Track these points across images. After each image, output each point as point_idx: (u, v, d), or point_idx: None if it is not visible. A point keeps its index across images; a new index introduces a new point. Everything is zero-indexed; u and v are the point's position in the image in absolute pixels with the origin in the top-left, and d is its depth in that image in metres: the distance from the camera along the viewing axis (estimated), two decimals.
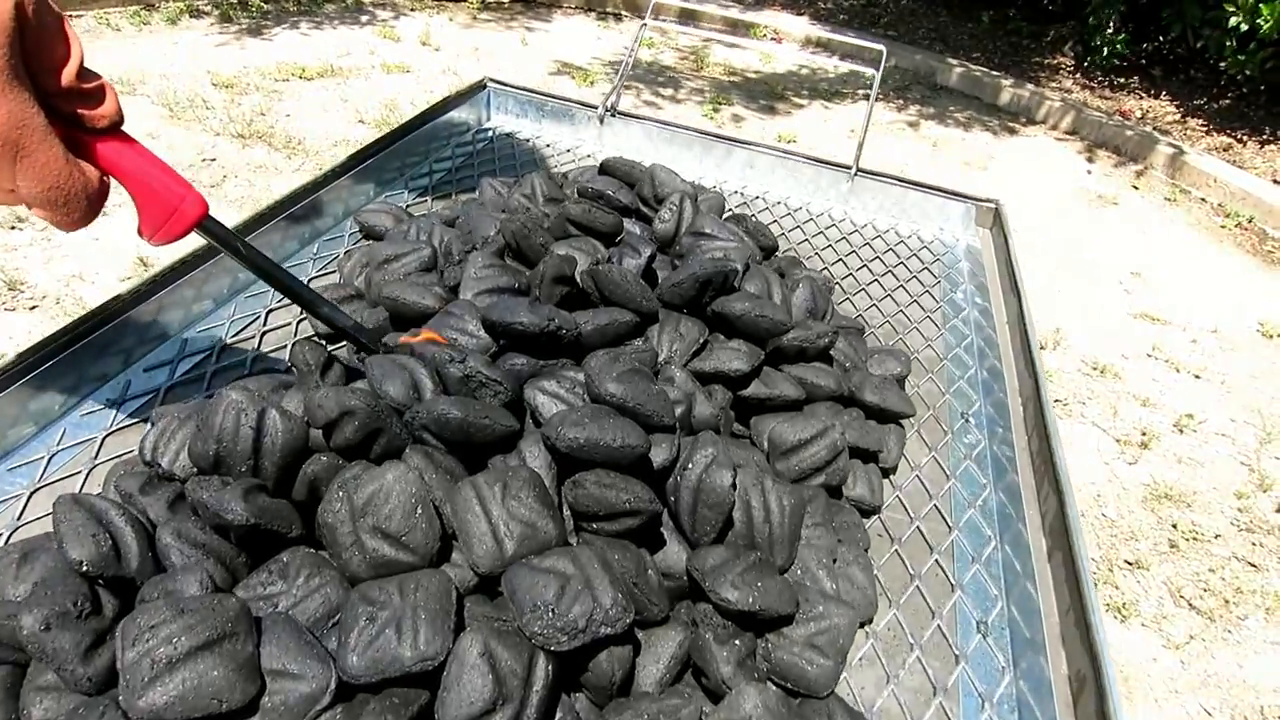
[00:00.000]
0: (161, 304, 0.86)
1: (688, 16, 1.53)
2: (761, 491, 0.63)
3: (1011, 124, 4.95)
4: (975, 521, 0.82)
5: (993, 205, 1.37)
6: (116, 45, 4.11)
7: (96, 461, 0.72)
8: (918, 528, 0.80)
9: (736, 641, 0.56)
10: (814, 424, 0.74)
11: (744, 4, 6.23)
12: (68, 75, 0.53)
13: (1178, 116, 4.94)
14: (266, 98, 3.79)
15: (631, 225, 1.06)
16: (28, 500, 0.68)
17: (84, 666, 0.49)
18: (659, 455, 0.62)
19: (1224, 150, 4.56)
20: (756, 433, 0.76)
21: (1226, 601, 2.03)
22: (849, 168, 1.39)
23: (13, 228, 2.64)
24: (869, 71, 1.52)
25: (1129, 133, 4.66)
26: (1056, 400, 2.64)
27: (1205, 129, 4.78)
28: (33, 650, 0.50)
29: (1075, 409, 2.62)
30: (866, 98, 5.07)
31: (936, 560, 0.77)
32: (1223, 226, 4.02)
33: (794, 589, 0.60)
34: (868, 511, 0.79)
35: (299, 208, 1.05)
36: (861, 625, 0.69)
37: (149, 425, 0.70)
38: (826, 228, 1.34)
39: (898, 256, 1.29)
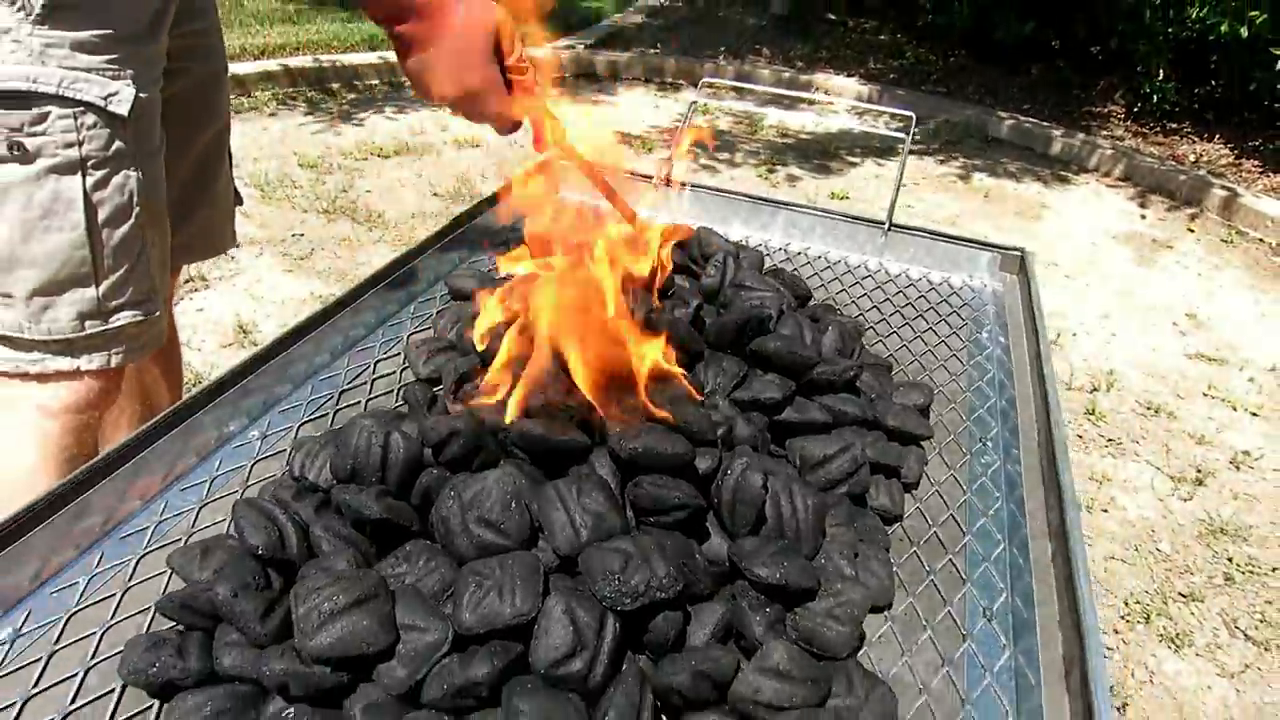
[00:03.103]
0: (290, 358, 1.04)
1: (741, 86, 1.67)
2: (790, 493, 0.77)
3: (1064, 173, 5.03)
4: (987, 528, 0.94)
5: (1018, 253, 1.49)
6: None
7: (248, 484, 0.89)
8: (935, 533, 0.92)
9: (768, 609, 0.70)
10: (838, 442, 0.87)
11: (795, 68, 6.44)
12: (512, 59, 0.94)
13: (1232, 159, 4.96)
14: (348, 176, 4.08)
15: (681, 280, 1.21)
16: (197, 514, 0.85)
17: (261, 625, 0.65)
18: (703, 464, 0.76)
19: None
20: (790, 451, 0.90)
21: None
22: (883, 224, 1.53)
23: None
24: (905, 133, 1.66)
25: (1182, 177, 4.70)
26: (1110, 440, 2.69)
27: (1260, 170, 4.79)
28: (224, 613, 0.66)
29: (1129, 448, 2.67)
30: (919, 155, 5.21)
31: (950, 559, 0.89)
32: None
33: (816, 571, 0.74)
34: (890, 519, 0.91)
35: (398, 274, 1.23)
36: (880, 609, 0.81)
37: (292, 451, 0.86)
38: (863, 278, 1.48)
39: (928, 302, 1.42)
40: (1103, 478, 2.52)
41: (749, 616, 0.69)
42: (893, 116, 5.79)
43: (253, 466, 0.91)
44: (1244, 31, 4.53)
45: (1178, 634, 2.02)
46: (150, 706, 0.66)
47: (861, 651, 0.77)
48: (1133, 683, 1.89)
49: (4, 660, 0.69)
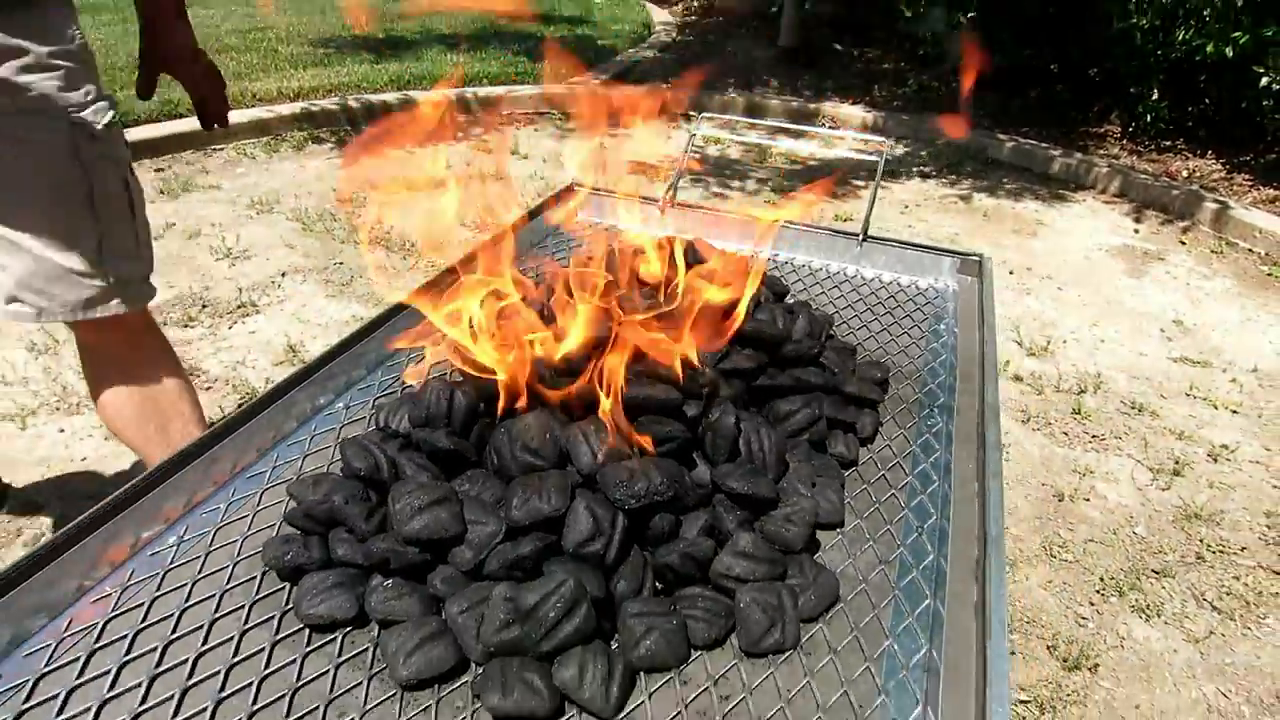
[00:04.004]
0: (367, 346, 1.28)
1: (738, 120, 1.87)
2: (758, 433, 1.00)
3: (1061, 191, 5.24)
4: (926, 471, 1.16)
5: (977, 258, 1.72)
6: (254, 171, 4.78)
7: (339, 440, 1.13)
8: (883, 475, 1.14)
9: (739, 513, 0.93)
10: (801, 401, 1.11)
11: (803, 97, 6.71)
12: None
13: (1224, 174, 5.16)
14: (381, 208, 4.37)
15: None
16: (302, 462, 1.09)
17: (365, 524, 0.89)
18: (692, 410, 1.00)
19: (1270, 203, 4.76)
20: (764, 411, 1.13)
21: (1248, 603, 2.25)
22: (858, 235, 1.76)
23: (186, 325, 3.19)
24: (872, 157, 1.89)
25: (1175, 192, 4.90)
26: (1094, 436, 2.89)
27: (1251, 184, 4.99)
28: (338, 517, 0.90)
29: (1112, 444, 2.87)
30: (922, 177, 5.46)
31: (894, 493, 1.11)
32: (1269, 274, 4.21)
33: (779, 489, 0.97)
34: (846, 464, 1.14)
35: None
36: (833, 527, 1.03)
37: (375, 411, 1.11)
38: (840, 282, 1.72)
39: (896, 301, 1.65)
40: (1085, 470, 2.72)
41: (725, 517, 0.92)
42: (896, 141, 6.05)
43: (342, 429, 1.16)
44: (1229, 52, 4.75)
45: (1148, 605, 2.22)
46: (283, 587, 0.90)
47: (817, 555, 0.99)
48: (1103, 646, 2.09)
49: (173, 558, 0.93)
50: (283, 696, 0.79)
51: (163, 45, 1.59)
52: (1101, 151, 5.67)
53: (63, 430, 2.61)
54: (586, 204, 1.94)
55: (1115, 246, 4.49)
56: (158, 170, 4.67)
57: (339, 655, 0.83)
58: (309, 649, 0.84)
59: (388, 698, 0.79)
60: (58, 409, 2.70)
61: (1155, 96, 5.59)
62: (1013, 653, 2.05)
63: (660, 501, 0.88)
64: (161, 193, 4.36)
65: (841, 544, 1.02)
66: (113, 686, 0.79)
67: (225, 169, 4.79)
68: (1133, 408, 3.07)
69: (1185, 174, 5.21)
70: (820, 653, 0.87)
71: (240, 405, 1.17)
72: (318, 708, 0.78)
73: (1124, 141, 5.77)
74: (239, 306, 3.34)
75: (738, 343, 1.18)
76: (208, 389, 2.84)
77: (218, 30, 7.50)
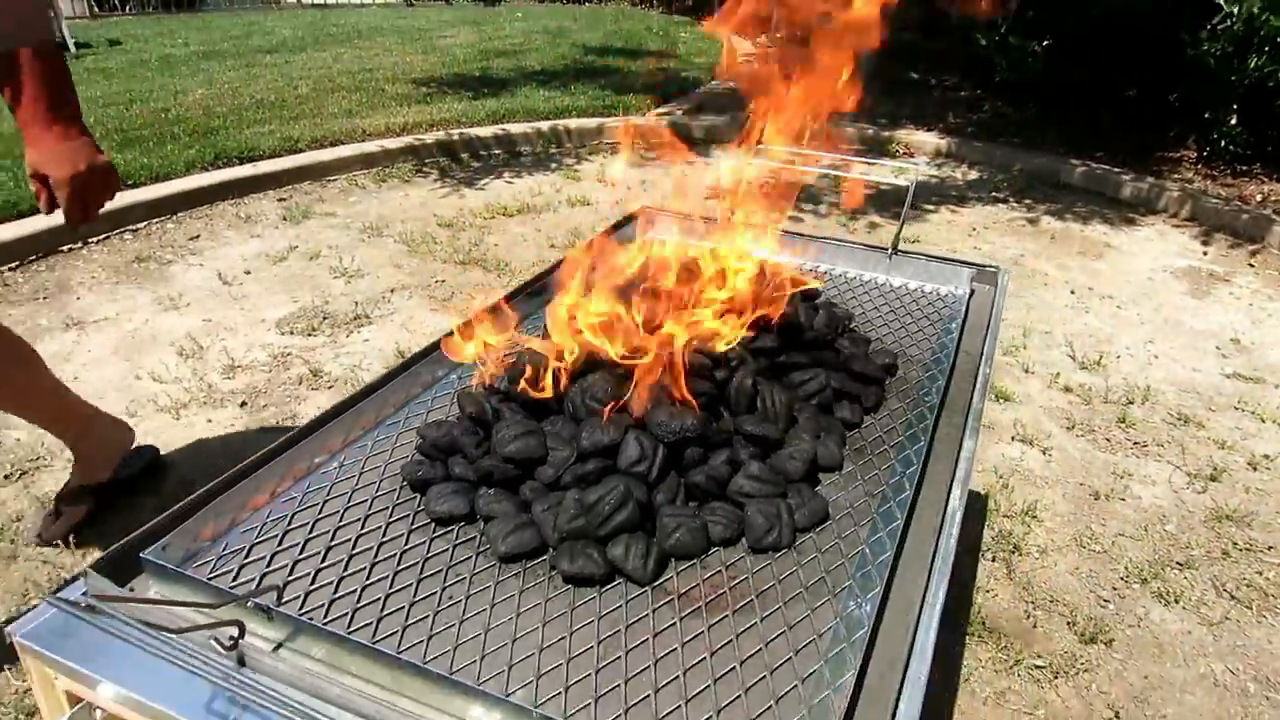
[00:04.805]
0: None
1: (800, 151, 2.11)
2: (771, 392, 1.30)
3: (1131, 215, 5.36)
4: (916, 433, 1.44)
5: (994, 269, 1.98)
6: (365, 199, 5.27)
7: (452, 403, 1.47)
8: (880, 435, 1.42)
9: (752, 448, 1.23)
10: (812, 373, 1.40)
11: (879, 125, 6.95)
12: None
13: None
14: (479, 232, 4.79)
15: None
16: (427, 415, 1.43)
17: (475, 450, 1.22)
18: (720, 374, 1.30)
19: None
20: (783, 380, 1.43)
21: (1267, 595, 2.41)
22: (887, 249, 2.04)
23: (310, 334, 3.63)
24: (904, 181, 2.17)
25: (1245, 215, 4.98)
26: (1135, 443, 3.07)
27: None
28: (456, 446, 1.23)
29: (1153, 450, 3.04)
30: (993, 202, 5.63)
31: (887, 448, 1.39)
32: None
33: (786, 435, 1.26)
34: (849, 426, 1.42)
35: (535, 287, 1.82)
36: (831, 470, 1.32)
37: (481, 374, 1.44)
38: (870, 289, 2.00)
39: (916, 304, 1.92)
40: (1124, 473, 2.90)
41: (741, 452, 1.22)
42: (970, 165, 6.24)
43: (456, 392, 1.50)
44: None
45: (1168, 592, 2.40)
46: (415, 496, 1.24)
47: (816, 489, 1.28)
48: (1120, 625, 2.29)
49: (338, 475, 1.28)
50: (416, 564, 1.12)
51: (33, 152, 1.66)
52: (1175, 176, 5.76)
53: (210, 420, 3.05)
54: (657, 222, 2.26)
55: (1181, 268, 4.60)
56: (280, 200, 5.19)
57: (456, 539, 1.16)
58: (435, 535, 1.17)
59: (489, 566, 1.12)
60: (204, 403, 3.14)
61: (1232, 122, 5.65)
62: (1034, 626, 2.26)
63: (691, 438, 1.19)
64: (284, 219, 4.87)
65: (837, 481, 1.31)
66: (301, 551, 1.13)
67: (340, 198, 5.30)
68: (1179, 419, 3.23)
69: (1259, 198, 5.26)
70: (808, 551, 1.16)
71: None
72: (441, 571, 1.11)
73: (1198, 166, 5.84)
74: (355, 318, 3.77)
75: (766, 329, 1.48)
76: (330, 387, 3.26)
77: (330, 72, 8.15)
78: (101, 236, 4.52)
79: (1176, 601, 2.37)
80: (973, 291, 1.96)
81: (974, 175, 6.19)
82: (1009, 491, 2.78)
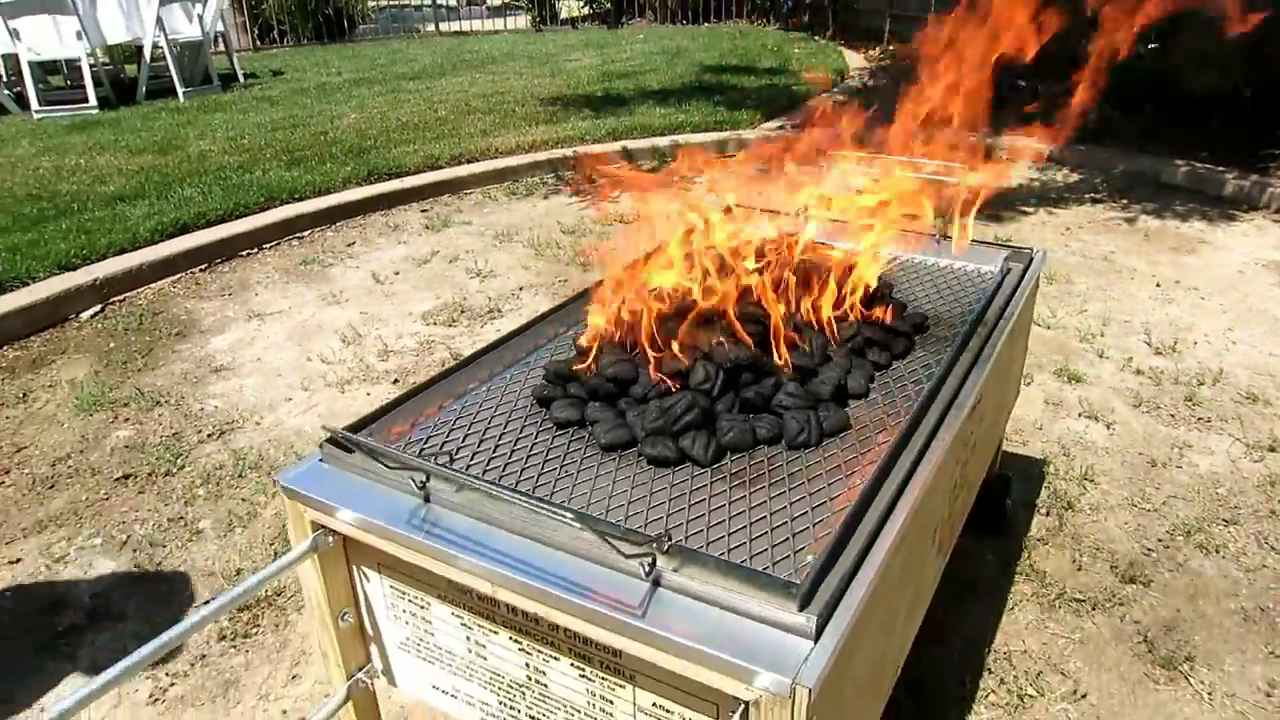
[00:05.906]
0: (580, 303, 2.07)
1: (877, 155, 2.41)
2: (809, 338, 1.70)
3: (1232, 211, 5.43)
4: (935, 372, 1.80)
5: (1028, 251, 2.31)
6: (498, 211, 5.86)
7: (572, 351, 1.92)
8: (904, 374, 1.80)
9: (792, 376, 1.63)
10: (851, 328, 1.79)
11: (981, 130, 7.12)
12: None
13: None
14: (598, 238, 5.29)
15: None
16: (550, 357, 1.89)
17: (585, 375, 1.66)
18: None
19: None
20: None
21: None
22: (935, 234, 2.40)
23: (450, 325, 4.18)
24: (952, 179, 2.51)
25: None
26: (1200, 419, 3.28)
27: None
28: (568, 373, 1.68)
29: (1216, 425, 3.24)
30: (1091, 202, 5.78)
31: (908, 383, 1.76)
32: None
33: (820, 368, 1.66)
34: (880, 367, 1.80)
35: None
36: (859, 398, 1.70)
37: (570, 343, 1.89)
38: (920, 268, 2.35)
39: (959, 280, 2.27)
40: (1183, 445, 3.13)
41: (783, 378, 1.62)
42: (1072, 169, 6.37)
43: (571, 340, 1.95)
44: None
45: (1210, 544, 2.64)
46: (543, 411, 1.69)
47: (847, 409, 1.67)
48: (1159, 570, 2.55)
49: (484, 398, 1.74)
50: (542, 453, 1.57)
51: None
52: None
53: (369, 394, 3.62)
54: (749, 218, 2.68)
55: (1274, 261, 4.69)
56: (423, 210, 5.83)
57: (571, 437, 1.61)
58: (556, 435, 1.62)
59: (595, 454, 1.56)
60: (364, 380, 3.72)
61: None
62: (1079, 570, 2.55)
63: (744, 365, 1.60)
64: (427, 228, 5.49)
65: (863, 406, 1.69)
66: (463, 441, 1.60)
67: (475, 209, 5.90)
68: (1247, 397, 3.41)
69: None
70: (832, 449, 1.55)
71: None
72: (559, 456, 1.55)
73: None
74: (488, 312, 4.31)
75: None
76: None
77: (466, 95, 8.87)
78: (274, 244, 5.24)
79: (1217, 552, 2.61)
80: (1009, 270, 2.30)
81: (1075, 178, 6.33)
82: (1069, 459, 3.06)
